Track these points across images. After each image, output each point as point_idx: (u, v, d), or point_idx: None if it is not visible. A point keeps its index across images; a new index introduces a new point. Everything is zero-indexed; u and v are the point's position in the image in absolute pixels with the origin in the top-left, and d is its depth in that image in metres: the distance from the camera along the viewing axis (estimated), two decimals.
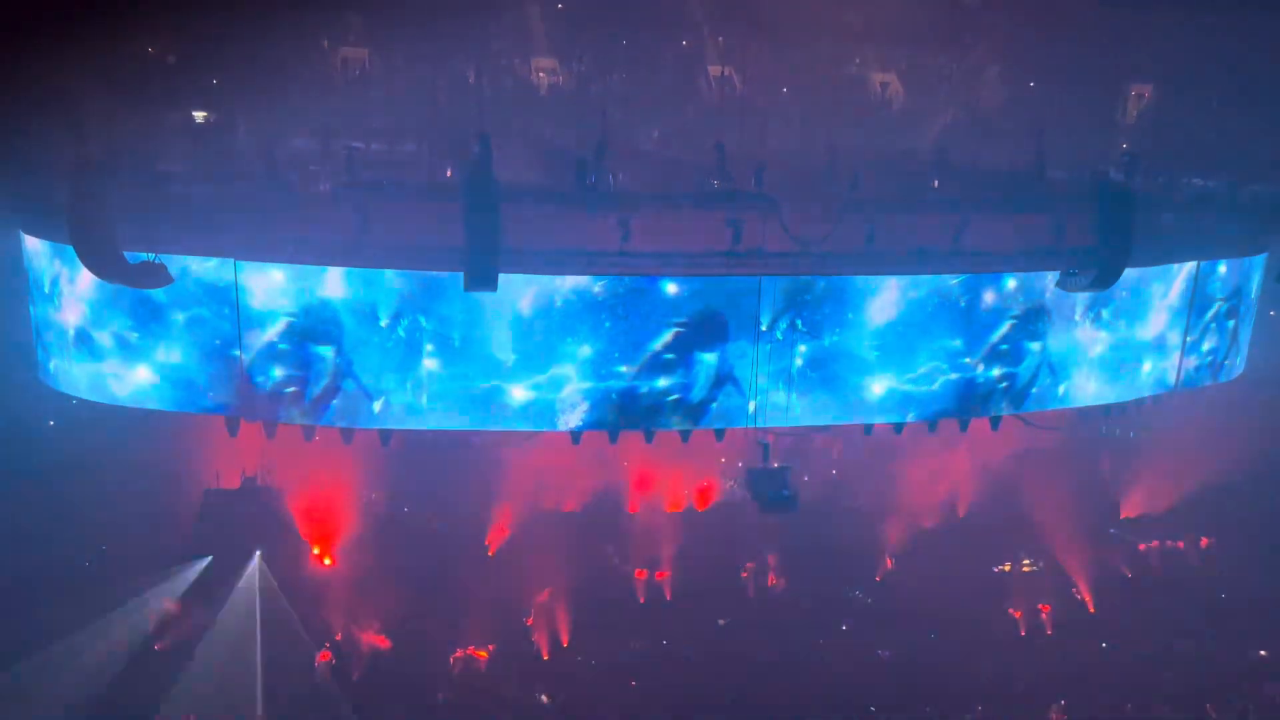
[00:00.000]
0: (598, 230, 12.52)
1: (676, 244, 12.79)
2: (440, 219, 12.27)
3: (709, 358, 13.63)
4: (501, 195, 11.99)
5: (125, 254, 11.82)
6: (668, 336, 13.42)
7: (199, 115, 14.13)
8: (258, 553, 19.01)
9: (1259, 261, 16.64)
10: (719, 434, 14.63)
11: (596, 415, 13.59)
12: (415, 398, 13.24)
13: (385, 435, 14.29)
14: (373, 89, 15.64)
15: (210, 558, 18.28)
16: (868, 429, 15.01)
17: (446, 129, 14.45)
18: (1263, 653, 19.17)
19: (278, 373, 13.07)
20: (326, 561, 21.38)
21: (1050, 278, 14.21)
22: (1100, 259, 13.60)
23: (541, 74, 15.76)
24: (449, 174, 14.00)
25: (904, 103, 16.36)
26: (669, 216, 12.75)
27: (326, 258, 12.85)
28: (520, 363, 13.27)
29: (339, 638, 19.56)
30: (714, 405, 13.91)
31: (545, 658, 19.59)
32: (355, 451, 15.44)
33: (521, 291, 12.96)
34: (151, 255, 12.07)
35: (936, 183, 14.37)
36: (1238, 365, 17.21)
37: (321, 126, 13.74)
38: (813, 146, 13.65)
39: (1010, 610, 21.12)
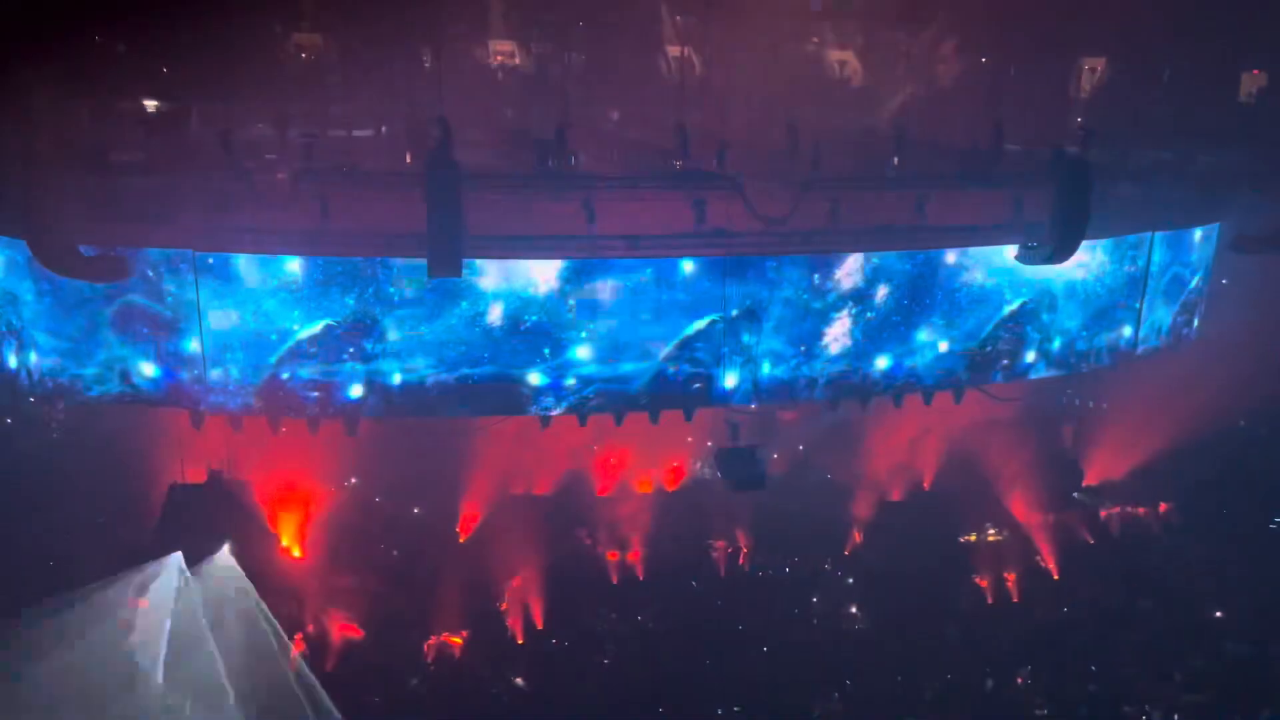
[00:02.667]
0: (562, 213, 12.50)
1: (641, 226, 12.81)
2: (401, 205, 12.18)
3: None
4: (462, 180, 11.92)
5: (80, 248, 11.63)
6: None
7: (150, 104, 13.88)
8: (225, 546, 18.82)
9: (1213, 231, 16.98)
10: (688, 414, 14.73)
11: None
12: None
13: (351, 425, 14.22)
14: (328, 75, 15.44)
15: (178, 553, 18.06)
16: (834, 405, 15.18)
17: (405, 114, 14.31)
18: (1219, 613, 19.68)
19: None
20: (295, 553, 21.26)
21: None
22: (1057, 232, 13.80)
23: (499, 57, 15.66)
24: (409, 159, 13.88)
25: (862, 80, 16.44)
26: (632, 198, 12.76)
27: (287, 247, 12.72)
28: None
29: (311, 628, 19.49)
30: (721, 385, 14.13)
31: (520, 641, 19.64)
32: (322, 441, 15.34)
33: None
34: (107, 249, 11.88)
35: (896, 159, 14.48)
36: (1193, 333, 17.58)
37: (277, 114, 13.56)
38: (773, 125, 13.69)
39: (976, 579, 21.46)
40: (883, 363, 14.62)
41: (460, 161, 12.03)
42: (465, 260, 12.14)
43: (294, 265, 12.67)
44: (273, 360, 12.88)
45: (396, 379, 13.12)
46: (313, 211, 12.30)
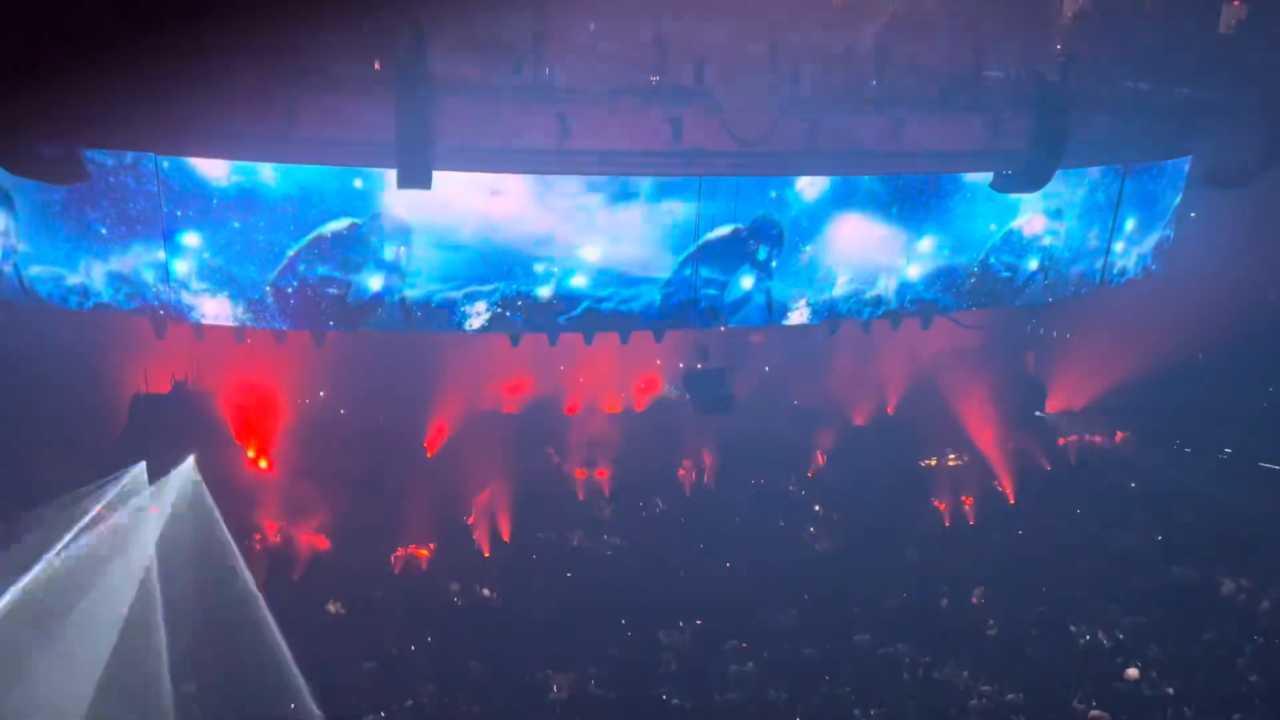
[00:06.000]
0: (535, 126, 12.30)
1: (616, 141, 12.64)
2: (370, 113, 11.91)
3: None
4: (434, 88, 11.65)
5: (41, 148, 11.29)
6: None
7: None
8: (191, 457, 18.75)
9: (1182, 164, 17.05)
10: (658, 335, 14.78)
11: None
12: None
13: (319, 337, 14.12)
14: None
15: (142, 463, 17.97)
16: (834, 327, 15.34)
17: (375, 18, 13.87)
18: (1159, 537, 20.33)
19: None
20: (262, 464, 21.25)
21: None
22: (1033, 159, 13.80)
23: None
24: (377, 66, 13.50)
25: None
26: (608, 113, 12.56)
27: (251, 153, 12.44)
28: None
29: (277, 540, 19.59)
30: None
31: (486, 555, 19.90)
32: (287, 353, 15.23)
33: None
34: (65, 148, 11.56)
35: (875, 81, 14.32)
36: (1159, 266, 17.78)
37: (243, 14, 13.07)
38: (754, 42, 13.45)
39: (935, 502, 21.95)
40: (886, 286, 14.91)
41: (432, 70, 11.74)
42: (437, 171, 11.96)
43: None
44: (289, 253, 12.78)
45: (411, 292, 13.19)
46: (278, 117, 12.01)
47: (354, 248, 12.89)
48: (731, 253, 13.92)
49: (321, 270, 12.91)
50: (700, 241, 13.68)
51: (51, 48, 11.40)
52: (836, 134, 13.70)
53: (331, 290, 13.03)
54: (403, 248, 12.94)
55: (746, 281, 14.25)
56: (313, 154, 12.45)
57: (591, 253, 13.44)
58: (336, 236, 12.79)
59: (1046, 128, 13.61)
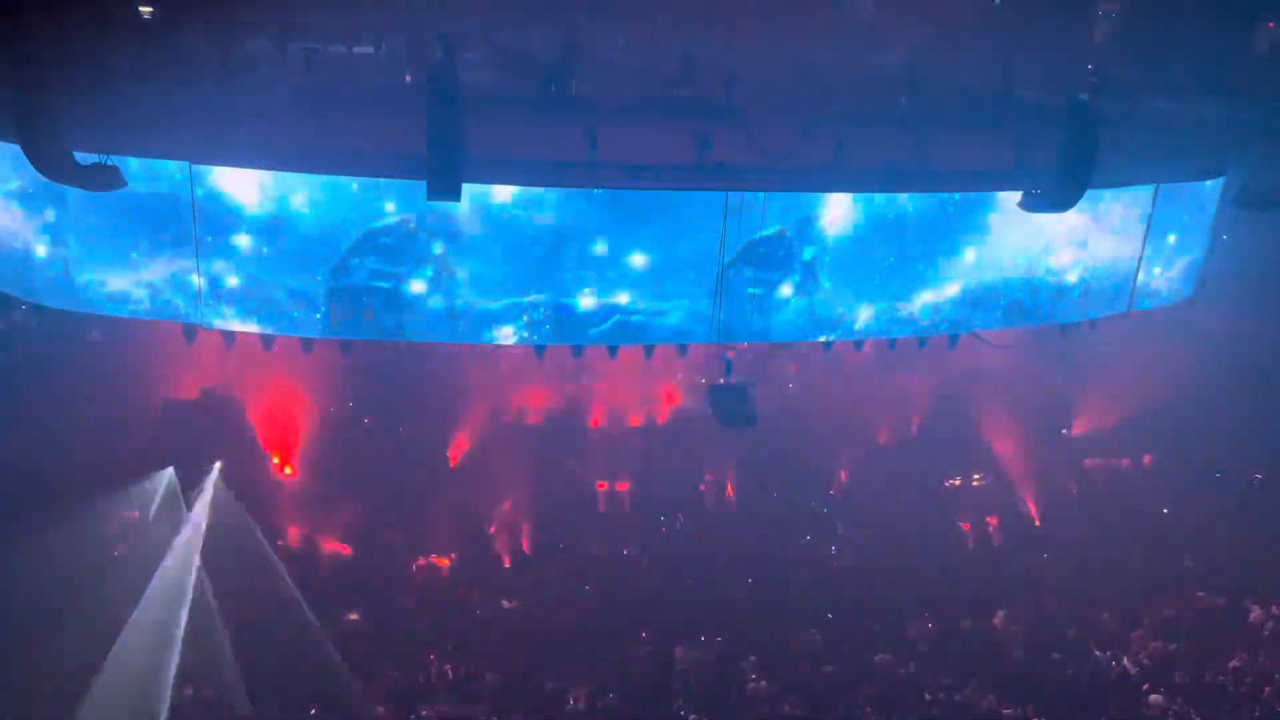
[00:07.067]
0: (563, 140, 12.36)
1: (644, 156, 12.69)
2: (401, 125, 12.02)
3: None
4: (464, 101, 11.75)
5: (75, 154, 11.48)
6: None
7: (145, 10, 13.55)
8: (218, 463, 18.95)
9: (1216, 185, 16.87)
10: (682, 349, 14.78)
11: None
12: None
13: (346, 345, 14.23)
14: None
15: (170, 468, 18.20)
16: (827, 346, 15.24)
17: (406, 32, 14.04)
18: (1188, 562, 20.06)
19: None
20: (287, 471, 21.43)
21: None
22: (1063, 179, 13.71)
23: None
24: (408, 79, 13.66)
25: (873, 16, 16.12)
26: (635, 127, 12.62)
27: (284, 163, 12.59)
28: None
29: (300, 545, 19.73)
30: None
31: (506, 565, 19.93)
32: (314, 361, 15.36)
33: None
34: (103, 157, 11.74)
35: (904, 99, 14.29)
36: (1187, 289, 17.59)
37: (277, 26, 13.27)
38: (781, 58, 13.47)
39: (959, 522, 21.77)
40: (914, 304, 14.85)
41: (462, 83, 11.84)
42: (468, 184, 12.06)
43: None
44: (343, 250, 12.93)
45: (450, 301, 13.26)
46: (311, 128, 12.15)
47: (399, 245, 13.00)
48: (770, 259, 13.91)
49: (370, 265, 13.05)
50: (735, 253, 13.66)
51: (87, 56, 11.63)
52: (865, 151, 13.68)
53: (380, 284, 13.14)
54: (443, 256, 13.03)
55: (786, 289, 14.23)
56: (343, 165, 12.58)
57: (625, 266, 13.45)
58: (384, 231, 12.91)
59: (1076, 148, 13.51)
